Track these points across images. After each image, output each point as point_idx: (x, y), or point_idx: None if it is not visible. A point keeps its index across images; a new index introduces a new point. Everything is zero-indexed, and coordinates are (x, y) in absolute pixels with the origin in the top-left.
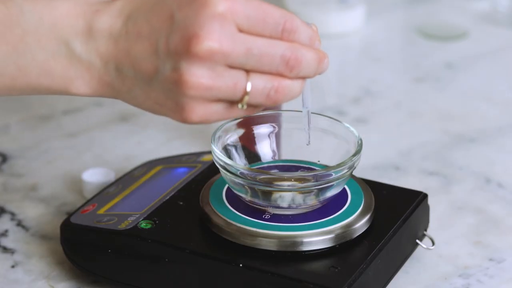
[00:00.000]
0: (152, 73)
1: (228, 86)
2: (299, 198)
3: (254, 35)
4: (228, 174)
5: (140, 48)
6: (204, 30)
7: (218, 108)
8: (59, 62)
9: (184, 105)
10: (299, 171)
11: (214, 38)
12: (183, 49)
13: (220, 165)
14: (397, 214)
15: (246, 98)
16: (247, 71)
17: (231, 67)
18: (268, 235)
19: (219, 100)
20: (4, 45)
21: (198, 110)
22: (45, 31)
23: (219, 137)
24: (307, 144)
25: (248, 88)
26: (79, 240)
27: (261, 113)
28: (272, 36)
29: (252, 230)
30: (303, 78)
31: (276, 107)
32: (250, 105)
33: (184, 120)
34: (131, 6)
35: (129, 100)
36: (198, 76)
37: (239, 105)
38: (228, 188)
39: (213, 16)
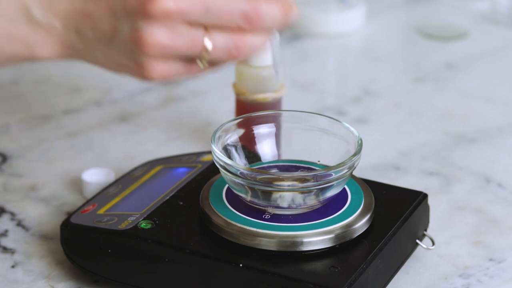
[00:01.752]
0: (111, 33)
1: (187, 44)
2: (299, 198)
3: None
4: (228, 174)
5: (98, 9)
6: None
7: (178, 66)
8: (20, 28)
9: (144, 64)
10: (299, 171)
11: None
12: (139, 9)
13: (220, 165)
14: (397, 214)
15: (206, 55)
16: (207, 28)
17: (190, 24)
18: (268, 235)
19: (179, 58)
20: None
21: (158, 68)
22: None
23: (219, 137)
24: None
25: (208, 45)
26: (79, 240)
27: (261, 113)
28: None
29: (252, 230)
30: (267, 30)
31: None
32: (211, 62)
33: (145, 79)
34: None
35: (92, 61)
36: (157, 35)
37: (199, 63)
38: (228, 188)
39: None
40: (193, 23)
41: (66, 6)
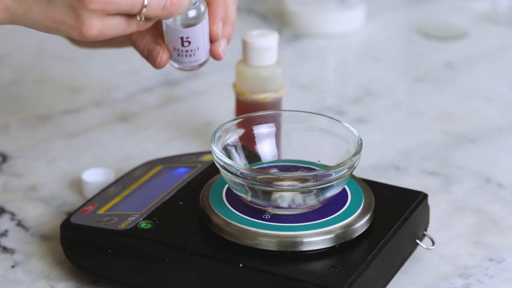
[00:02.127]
0: None
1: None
2: (299, 198)
3: None
4: (228, 174)
5: None
6: None
7: (116, 22)
8: None
9: (84, 20)
10: (299, 171)
11: None
12: None
13: (220, 165)
14: (397, 214)
15: (144, 11)
16: None
17: None
18: (268, 235)
19: (118, 14)
20: None
21: (97, 24)
22: None
23: (219, 137)
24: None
25: (146, 1)
26: (79, 240)
27: (261, 113)
28: None
29: (252, 230)
30: None
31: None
32: (147, 18)
33: (83, 35)
34: None
35: (25, 22)
36: None
37: (138, 18)
38: (228, 188)
39: None
40: None
41: None
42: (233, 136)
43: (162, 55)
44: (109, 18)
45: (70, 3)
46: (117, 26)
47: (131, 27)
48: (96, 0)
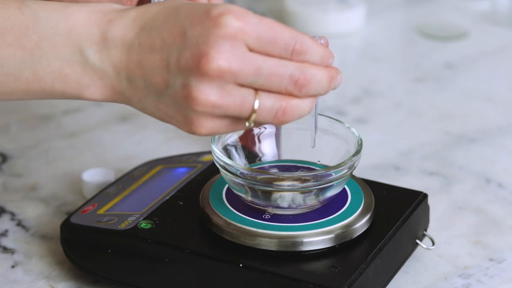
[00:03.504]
0: (162, 87)
1: (236, 104)
2: (299, 198)
3: (264, 55)
4: (228, 174)
5: (152, 61)
6: (215, 50)
7: (225, 123)
8: (73, 69)
9: (193, 120)
10: (299, 171)
11: (224, 57)
12: (193, 66)
13: (220, 165)
14: (397, 214)
15: (254, 116)
16: (256, 90)
17: (240, 85)
18: (268, 235)
19: (227, 117)
20: (20, 51)
21: (206, 125)
22: (60, 38)
23: (219, 137)
24: (312, 147)
25: (256, 107)
26: (79, 240)
27: None
28: (282, 56)
29: (252, 230)
30: (314, 96)
31: None
32: (257, 123)
33: (192, 133)
34: (145, 17)
35: (140, 108)
36: (207, 94)
37: (247, 123)
38: (228, 188)
39: (225, 36)
40: (243, 84)
41: (121, 54)
42: (233, 136)
43: None
44: (218, 120)
45: (178, 101)
46: (226, 126)
47: (241, 128)
48: (203, 103)
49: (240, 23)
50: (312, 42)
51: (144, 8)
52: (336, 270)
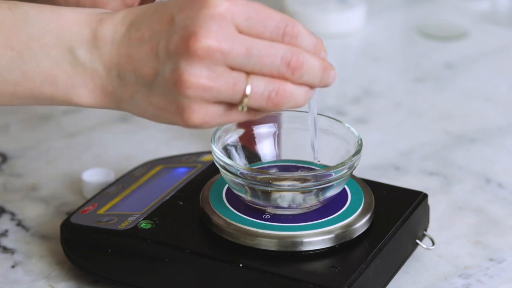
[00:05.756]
0: (152, 76)
1: (228, 87)
2: (299, 198)
3: (254, 37)
4: (228, 174)
5: (142, 52)
6: (203, 29)
7: (218, 110)
8: (63, 69)
9: (185, 107)
10: (299, 171)
11: (212, 37)
12: (182, 48)
13: (220, 165)
14: (397, 214)
15: (246, 100)
16: (248, 73)
17: (231, 68)
18: (268, 235)
19: (219, 102)
20: (9, 51)
21: (199, 112)
22: (50, 38)
23: (219, 137)
24: (318, 162)
25: (248, 90)
26: (79, 240)
27: None
28: (273, 39)
29: (252, 230)
30: (308, 85)
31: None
32: (251, 108)
33: (185, 123)
34: (134, 14)
35: (131, 108)
36: (197, 76)
37: (239, 107)
38: (228, 188)
39: (212, 16)
40: (234, 67)
41: (111, 51)
42: (233, 136)
43: None
44: (210, 106)
45: (169, 88)
46: (220, 114)
47: (235, 116)
48: (194, 86)
49: (228, 3)
50: (304, 28)
51: (134, 7)
52: (336, 270)
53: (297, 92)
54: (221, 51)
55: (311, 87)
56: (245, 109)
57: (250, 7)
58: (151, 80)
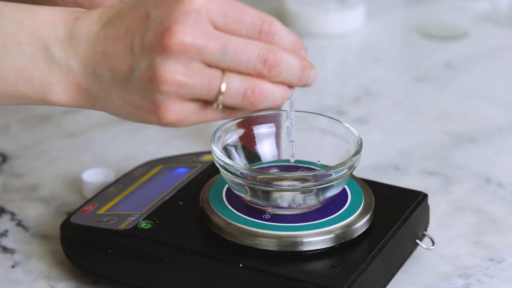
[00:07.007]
0: (127, 72)
1: (203, 83)
2: (299, 198)
3: (231, 34)
4: (228, 174)
5: (117, 49)
6: (178, 24)
7: (193, 108)
8: (38, 66)
9: (160, 104)
10: (299, 171)
11: (187, 32)
12: (157, 44)
13: (220, 165)
14: (397, 214)
15: (221, 98)
16: (224, 70)
17: (208, 65)
18: (268, 235)
19: (194, 99)
20: None
21: (174, 109)
22: (25, 35)
23: (219, 137)
24: (292, 161)
25: (223, 87)
26: (79, 240)
27: (261, 113)
28: (249, 36)
29: (252, 230)
30: (286, 84)
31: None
32: (227, 106)
33: (160, 120)
34: (110, 11)
35: (106, 106)
36: (172, 72)
37: (215, 105)
38: (228, 188)
39: (188, 12)
40: (210, 64)
41: (86, 48)
42: (233, 136)
43: None
44: (185, 103)
45: (144, 85)
46: (195, 112)
47: (211, 114)
48: (169, 81)
49: (203, 0)
50: (281, 26)
51: (111, 5)
52: (336, 270)
53: (275, 91)
54: (196, 46)
55: (290, 86)
56: (220, 106)
57: (226, 3)
58: (127, 77)
